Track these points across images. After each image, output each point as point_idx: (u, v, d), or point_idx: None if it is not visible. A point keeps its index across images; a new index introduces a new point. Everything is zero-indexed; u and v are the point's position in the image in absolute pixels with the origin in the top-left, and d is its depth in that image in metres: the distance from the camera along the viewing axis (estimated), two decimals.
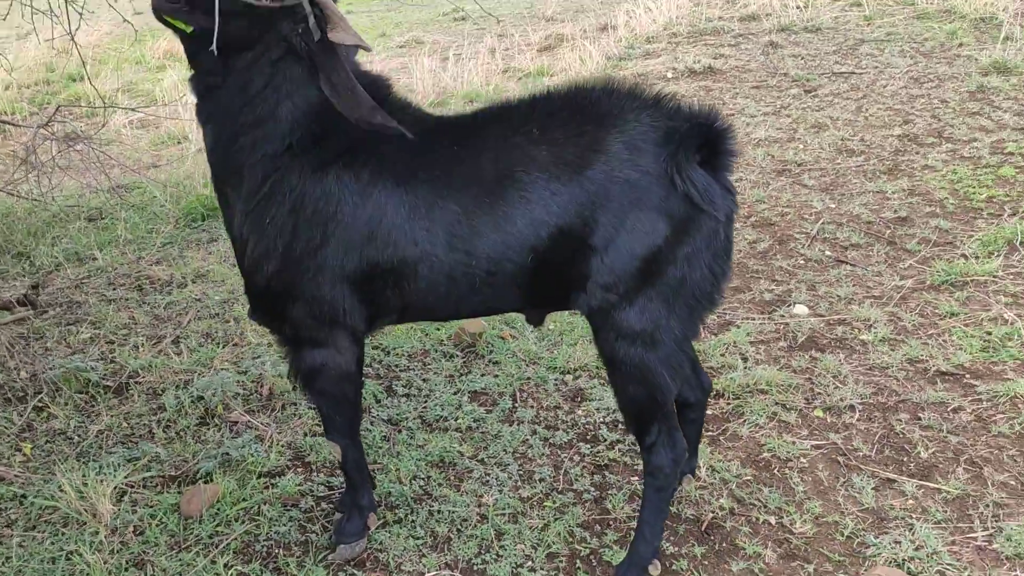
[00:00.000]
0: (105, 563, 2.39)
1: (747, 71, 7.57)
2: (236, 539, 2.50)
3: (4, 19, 3.87)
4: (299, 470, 2.83)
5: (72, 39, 4.65)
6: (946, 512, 2.47)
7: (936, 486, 2.58)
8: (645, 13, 10.36)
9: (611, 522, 2.54)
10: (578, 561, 2.39)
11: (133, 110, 6.64)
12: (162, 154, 7.48)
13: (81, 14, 4.65)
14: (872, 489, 2.58)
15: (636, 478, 2.71)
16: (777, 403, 3.01)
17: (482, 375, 3.30)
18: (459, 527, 2.52)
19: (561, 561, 2.39)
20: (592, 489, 2.67)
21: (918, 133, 5.54)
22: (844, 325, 3.49)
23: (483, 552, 2.43)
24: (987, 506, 2.48)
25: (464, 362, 3.43)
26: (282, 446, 2.94)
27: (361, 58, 2.31)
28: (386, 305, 2.20)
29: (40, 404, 3.24)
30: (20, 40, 11.50)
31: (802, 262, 4.05)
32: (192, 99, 2.23)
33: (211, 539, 2.51)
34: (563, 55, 9.06)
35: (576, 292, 2.09)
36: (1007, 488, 2.55)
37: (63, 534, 2.54)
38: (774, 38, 8.51)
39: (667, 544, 2.42)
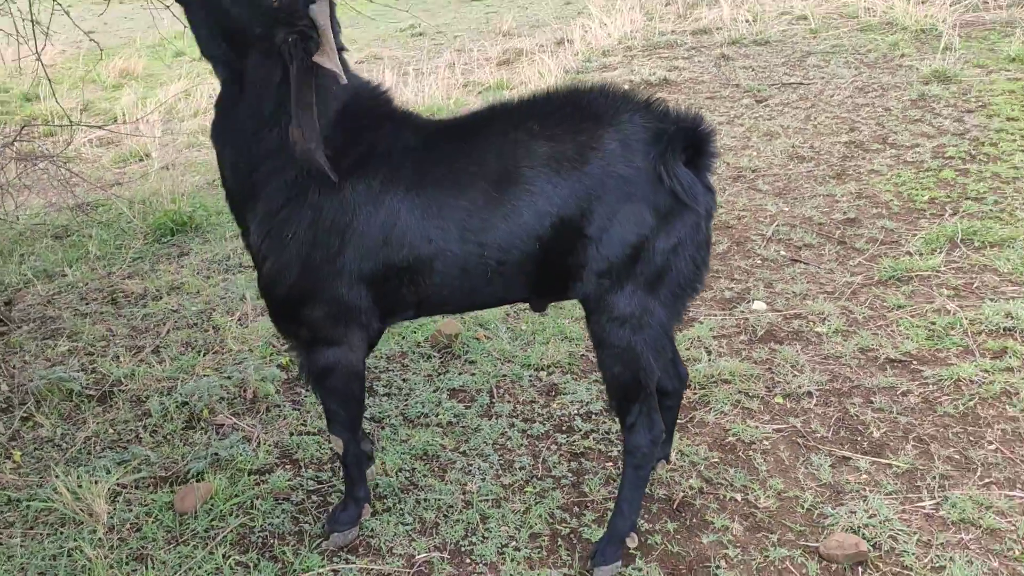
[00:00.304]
0: (106, 558, 2.48)
1: (701, 83, 7.83)
2: (232, 532, 2.61)
3: None
4: (288, 467, 2.94)
5: (38, 59, 4.72)
6: (896, 484, 2.67)
7: (887, 462, 2.78)
8: (600, 27, 10.61)
9: (588, 504, 2.69)
10: (559, 539, 2.54)
11: (100, 127, 6.66)
12: (125, 172, 7.51)
13: (47, 34, 4.72)
14: (829, 466, 2.77)
15: (611, 464, 2.87)
16: (740, 392, 3.20)
17: (459, 374, 3.45)
18: (446, 513, 2.66)
19: (543, 540, 2.54)
20: (569, 475, 2.82)
21: (864, 140, 5.81)
22: (800, 319, 3.69)
23: (470, 535, 2.56)
24: (934, 478, 2.68)
25: (441, 362, 3.56)
26: (269, 445, 3.04)
27: None
28: (403, 301, 2.32)
29: (26, 414, 3.31)
30: None
31: (759, 262, 4.26)
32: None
33: (207, 533, 2.62)
34: (522, 69, 9.26)
35: (574, 280, 2.25)
36: (952, 462, 2.76)
37: (62, 533, 2.62)
38: (725, 51, 8.80)
39: (642, 521, 2.58)
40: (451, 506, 2.69)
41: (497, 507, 2.68)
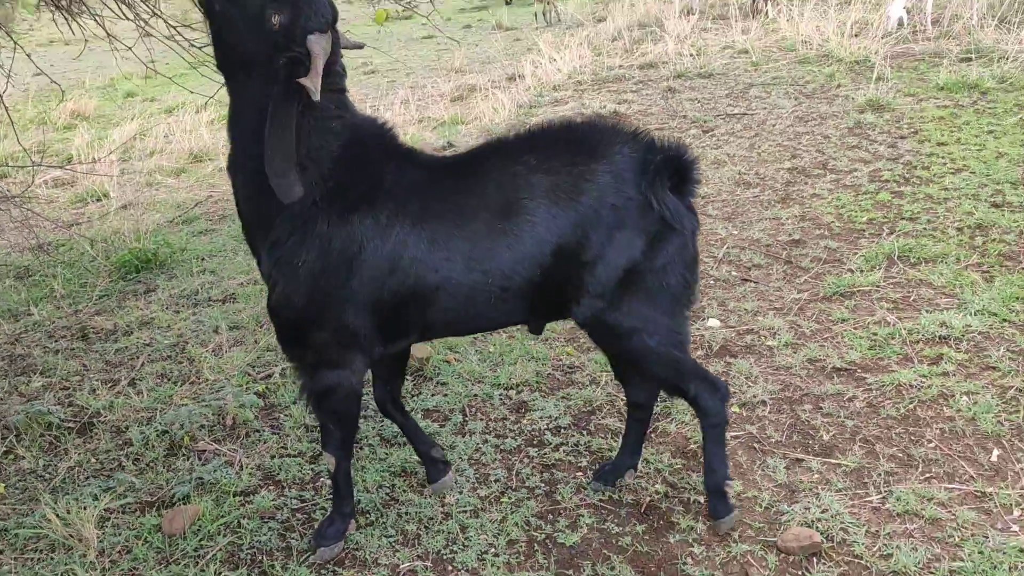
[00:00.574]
0: None
1: (649, 114, 8.14)
2: (221, 550, 2.71)
3: None
4: (271, 488, 3.05)
5: (1, 102, 4.80)
6: (846, 482, 2.88)
7: (837, 462, 2.98)
8: (550, 63, 10.91)
9: (562, 511, 2.84)
10: (536, 545, 2.69)
11: (60, 167, 6.70)
12: (83, 212, 7.53)
13: (9, 77, 4.81)
14: (784, 468, 2.96)
15: (580, 473, 3.03)
16: None
17: (432, 395, 3.59)
18: (426, 525, 2.79)
19: (521, 546, 2.68)
20: (543, 485, 2.98)
21: (805, 166, 6.13)
22: (752, 334, 3.91)
23: (450, 544, 2.70)
24: (879, 475, 2.89)
25: (414, 384, 3.70)
26: (252, 468, 3.15)
27: None
28: (408, 327, 2.46)
29: (6, 448, 3.36)
30: None
31: (712, 282, 4.49)
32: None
33: (196, 552, 2.71)
34: (475, 104, 9.49)
35: (573, 303, 2.43)
36: (895, 459, 2.97)
37: (53, 558, 2.70)
38: (672, 84, 9.15)
39: (612, 525, 2.75)
40: (431, 518, 2.82)
41: (475, 517, 2.82)
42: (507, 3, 23.64)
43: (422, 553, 2.67)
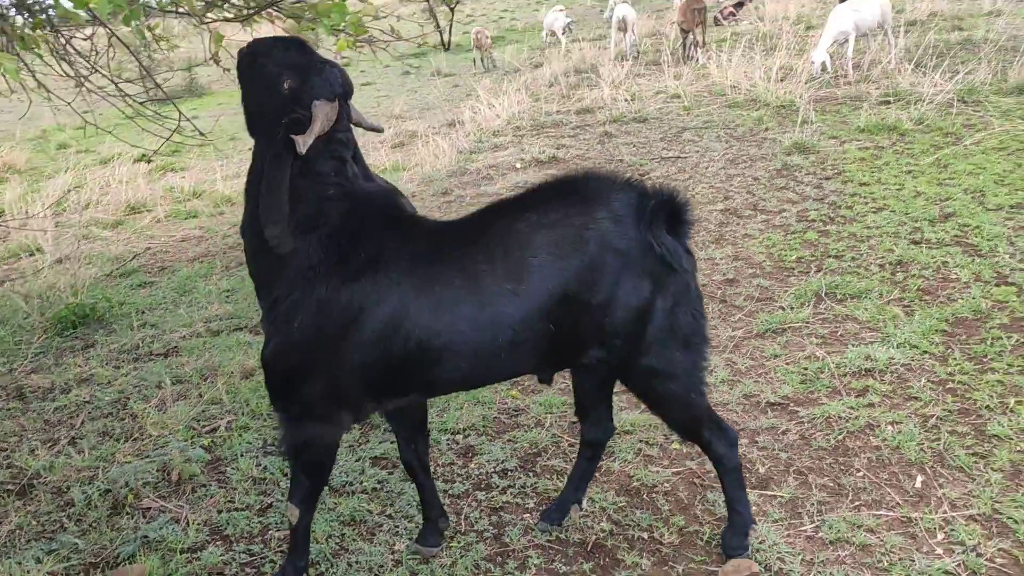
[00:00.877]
0: None
1: (587, 158, 8.35)
2: None
3: None
4: (219, 543, 3.04)
5: None
6: (781, 512, 2.99)
7: (772, 493, 3.10)
8: (489, 109, 11.13)
9: (510, 553, 2.90)
10: None
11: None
12: (15, 267, 7.40)
13: None
14: (723, 502, 3.06)
15: (528, 515, 3.09)
16: (641, 441, 3.49)
17: (380, 442, 3.62)
18: (377, 573, 2.82)
19: None
20: (491, 528, 3.03)
21: (737, 207, 6.36)
22: None
23: None
24: (812, 505, 3.02)
25: (361, 432, 3.73)
26: (199, 524, 3.14)
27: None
28: (409, 386, 2.51)
29: None
30: None
31: None
32: None
33: None
34: (416, 151, 9.61)
35: (590, 348, 2.50)
36: (827, 489, 3.10)
37: None
38: (608, 128, 9.41)
39: (559, 564, 2.81)
40: (381, 566, 2.85)
41: (425, 563, 2.85)
42: (445, 49, 24.00)
43: None
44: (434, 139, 9.68)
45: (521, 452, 3.50)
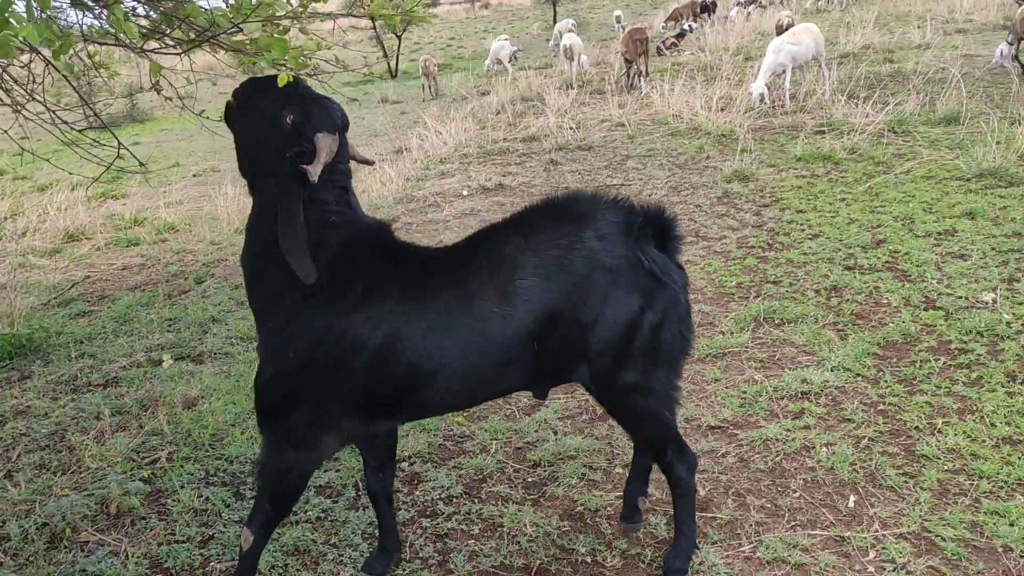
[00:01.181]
0: None
1: (533, 186, 8.45)
2: None
3: None
4: None
5: None
6: (720, 534, 3.06)
7: (712, 515, 3.17)
8: (436, 136, 11.20)
9: None
10: None
11: None
12: None
13: None
14: (665, 524, 3.12)
15: (472, 540, 3.11)
16: (585, 465, 3.54)
17: (324, 471, 3.61)
18: None
19: None
20: (436, 555, 3.04)
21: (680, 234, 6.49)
22: None
23: None
24: (750, 526, 3.09)
25: None
26: (139, 557, 3.09)
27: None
28: (399, 408, 2.54)
29: None
30: None
31: None
32: None
33: None
34: (363, 178, 9.60)
35: (578, 364, 2.54)
36: (764, 510, 3.18)
37: None
38: (554, 156, 9.54)
39: None
40: None
41: None
42: (393, 77, 24.08)
43: None
44: (381, 167, 9.70)
45: (466, 478, 3.52)
